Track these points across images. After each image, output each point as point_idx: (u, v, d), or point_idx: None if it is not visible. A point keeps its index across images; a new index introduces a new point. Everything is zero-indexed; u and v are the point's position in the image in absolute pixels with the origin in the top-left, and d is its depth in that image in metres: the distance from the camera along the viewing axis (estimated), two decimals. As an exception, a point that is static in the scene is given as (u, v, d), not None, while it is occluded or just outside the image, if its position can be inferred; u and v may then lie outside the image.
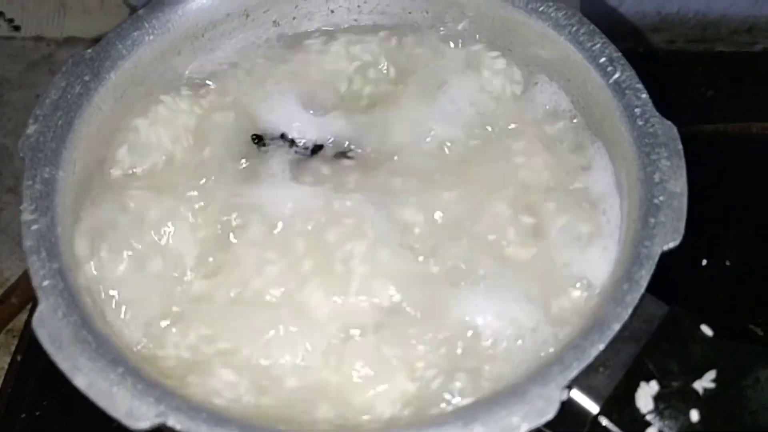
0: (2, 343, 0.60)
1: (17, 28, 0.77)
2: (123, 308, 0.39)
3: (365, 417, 0.36)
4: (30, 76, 0.75)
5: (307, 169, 0.44)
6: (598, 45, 0.43)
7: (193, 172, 0.43)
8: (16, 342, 0.59)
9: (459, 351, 0.37)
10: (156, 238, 0.40)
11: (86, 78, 0.42)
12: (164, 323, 0.38)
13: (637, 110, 0.40)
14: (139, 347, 0.38)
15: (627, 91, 0.41)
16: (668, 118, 0.40)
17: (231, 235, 0.41)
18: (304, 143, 0.45)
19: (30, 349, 0.57)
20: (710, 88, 0.69)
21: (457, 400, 0.35)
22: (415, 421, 0.34)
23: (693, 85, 0.69)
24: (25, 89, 0.74)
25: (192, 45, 0.47)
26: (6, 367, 0.57)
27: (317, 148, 0.45)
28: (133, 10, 0.46)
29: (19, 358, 0.57)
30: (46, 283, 0.35)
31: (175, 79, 0.47)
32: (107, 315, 0.38)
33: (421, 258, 0.40)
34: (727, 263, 0.58)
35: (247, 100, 0.46)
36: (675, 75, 0.70)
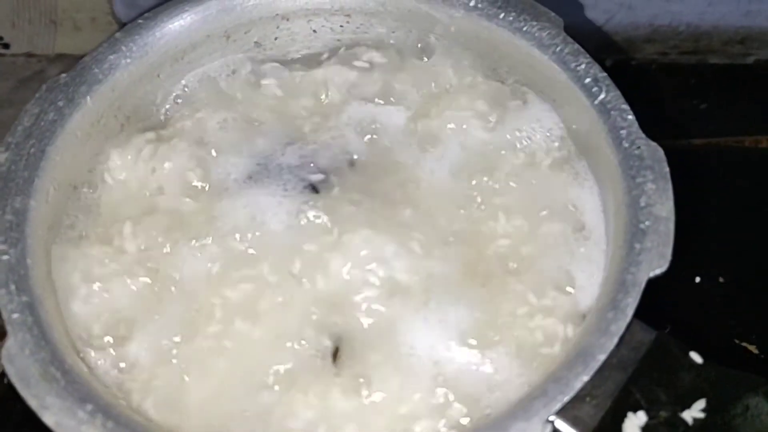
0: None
1: (7, 46, 0.76)
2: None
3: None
4: (21, 94, 0.74)
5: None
6: (583, 65, 0.42)
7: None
8: (1, 368, 0.58)
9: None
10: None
11: (60, 104, 0.42)
12: None
13: (623, 132, 0.39)
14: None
15: (613, 112, 0.40)
16: (661, 132, 0.40)
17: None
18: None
19: (11, 386, 0.56)
20: (703, 100, 0.68)
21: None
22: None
23: (686, 98, 0.68)
24: (16, 107, 0.71)
25: (171, 68, 0.47)
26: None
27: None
28: (123, 26, 0.45)
29: (5, 380, 0.56)
30: (15, 316, 0.34)
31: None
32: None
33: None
34: (721, 280, 0.57)
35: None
36: (667, 87, 0.70)
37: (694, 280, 0.57)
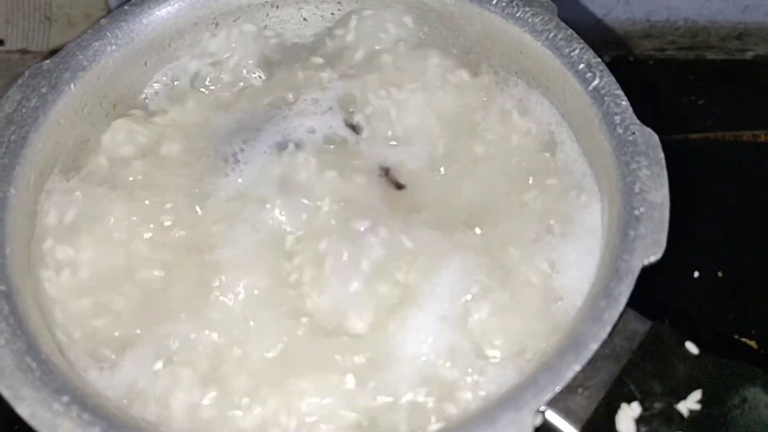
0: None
1: (1, 42, 0.76)
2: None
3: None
4: (14, 90, 0.74)
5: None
6: (577, 51, 0.41)
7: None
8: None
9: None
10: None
11: (43, 90, 0.41)
12: None
13: (617, 117, 0.39)
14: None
15: (606, 98, 0.39)
16: (659, 127, 0.39)
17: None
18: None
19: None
20: (701, 96, 0.68)
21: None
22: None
23: (683, 93, 0.68)
24: None
25: (158, 55, 0.46)
26: None
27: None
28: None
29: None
30: (-10, 306, 0.34)
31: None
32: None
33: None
34: (720, 274, 0.57)
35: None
36: (665, 83, 0.69)
37: (692, 274, 0.56)
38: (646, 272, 0.35)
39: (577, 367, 0.32)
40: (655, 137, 0.38)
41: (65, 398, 0.31)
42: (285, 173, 0.41)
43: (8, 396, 0.31)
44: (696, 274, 0.57)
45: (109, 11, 0.67)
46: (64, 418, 0.31)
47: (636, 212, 0.35)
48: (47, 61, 0.42)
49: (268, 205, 0.40)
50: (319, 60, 0.47)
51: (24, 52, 0.76)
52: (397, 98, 0.44)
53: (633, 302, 0.34)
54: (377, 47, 0.47)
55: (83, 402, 0.31)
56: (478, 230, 0.40)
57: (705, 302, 0.56)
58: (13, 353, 0.32)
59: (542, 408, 0.32)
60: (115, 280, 0.38)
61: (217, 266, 0.38)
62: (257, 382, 0.35)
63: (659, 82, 0.69)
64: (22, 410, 0.31)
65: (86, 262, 0.38)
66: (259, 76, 0.46)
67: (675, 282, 0.53)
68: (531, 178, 0.42)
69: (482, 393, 0.35)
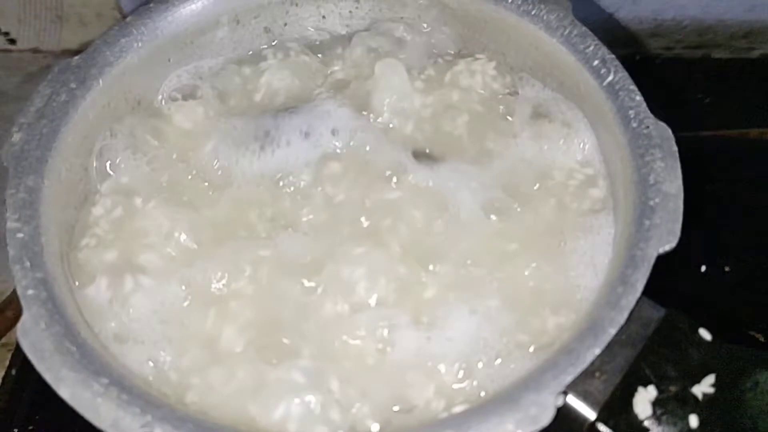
0: (-3, 355, 0.59)
1: (13, 41, 0.76)
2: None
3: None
4: (27, 89, 0.74)
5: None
6: (591, 47, 0.42)
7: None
8: (10, 356, 0.58)
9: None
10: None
11: (72, 85, 0.42)
12: None
13: (631, 112, 0.40)
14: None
15: (620, 93, 0.40)
16: (666, 124, 0.40)
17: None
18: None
19: (25, 362, 0.55)
20: (708, 94, 0.69)
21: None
22: (406, 429, 0.33)
23: (691, 91, 0.69)
24: (22, 102, 0.71)
25: (182, 52, 0.47)
26: (0, 381, 0.56)
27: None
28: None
29: (13, 371, 0.56)
30: (29, 292, 0.35)
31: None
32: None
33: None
34: (727, 269, 0.57)
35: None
36: (673, 81, 0.70)
37: (700, 269, 0.57)
38: (655, 265, 0.35)
39: (597, 350, 0.33)
40: (669, 131, 0.39)
41: (104, 380, 0.32)
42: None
43: (49, 378, 0.32)
44: (703, 268, 0.57)
45: (120, 11, 0.68)
46: (103, 399, 0.32)
47: (651, 203, 0.36)
48: (76, 57, 0.43)
49: None
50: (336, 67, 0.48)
51: (35, 51, 0.76)
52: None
53: (643, 293, 0.35)
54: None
55: (121, 383, 0.32)
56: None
57: (712, 296, 0.57)
58: (53, 337, 0.33)
59: (563, 389, 0.33)
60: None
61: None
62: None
63: (666, 80, 0.70)
64: (63, 391, 0.32)
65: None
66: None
67: (682, 276, 0.54)
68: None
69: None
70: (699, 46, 0.71)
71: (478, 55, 0.47)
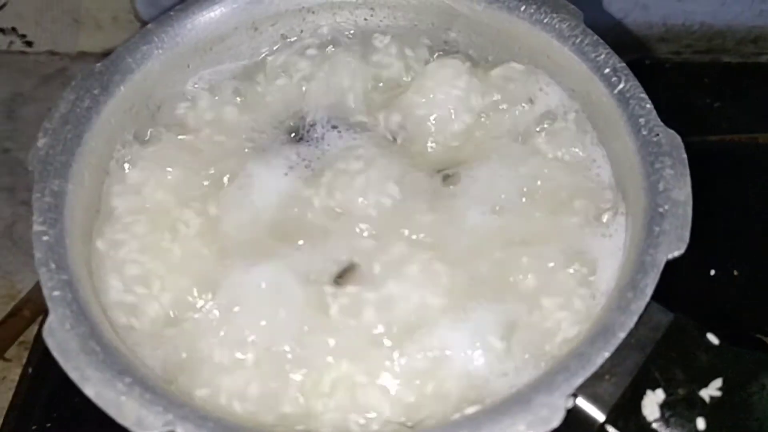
0: (14, 355, 0.61)
1: (30, 44, 0.78)
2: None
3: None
4: (43, 91, 0.76)
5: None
6: (602, 56, 0.43)
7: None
8: (27, 354, 0.60)
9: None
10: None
11: (95, 92, 0.43)
12: None
13: (641, 120, 0.40)
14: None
15: (631, 101, 0.41)
16: (675, 129, 0.40)
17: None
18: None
19: (41, 361, 0.57)
20: (717, 98, 0.69)
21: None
22: (419, 430, 0.34)
23: (699, 96, 0.69)
24: (39, 103, 0.74)
25: (201, 59, 0.48)
26: (18, 379, 0.58)
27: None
28: (145, 24, 0.46)
29: (30, 370, 0.57)
30: (55, 294, 0.36)
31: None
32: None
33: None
34: (735, 273, 0.58)
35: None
36: (681, 86, 0.71)
37: (709, 273, 0.57)
38: (664, 269, 0.36)
39: (607, 354, 0.33)
40: (678, 138, 0.40)
41: (128, 379, 0.33)
42: None
43: (75, 377, 0.33)
44: (712, 272, 0.58)
45: (136, 15, 0.69)
46: (127, 397, 0.33)
47: (660, 209, 0.37)
48: (99, 64, 0.44)
49: None
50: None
51: (52, 53, 0.77)
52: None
53: (652, 296, 0.36)
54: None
55: (144, 382, 0.33)
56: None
57: (720, 300, 0.57)
58: (78, 337, 0.34)
59: (573, 392, 0.33)
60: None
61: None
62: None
63: (675, 84, 0.70)
64: (89, 390, 0.33)
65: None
66: None
67: (691, 280, 0.54)
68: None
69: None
70: (708, 50, 0.72)
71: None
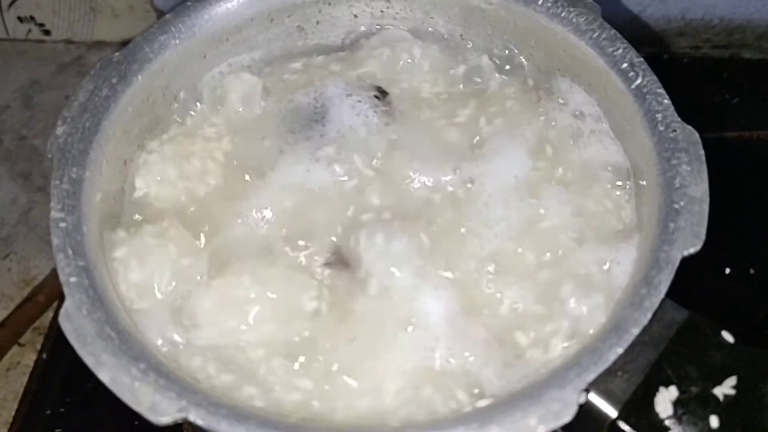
0: (28, 340, 0.61)
1: (48, 32, 0.78)
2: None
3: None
4: (60, 79, 0.76)
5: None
6: (620, 50, 0.43)
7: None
8: (42, 339, 0.60)
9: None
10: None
11: (113, 81, 0.43)
12: None
13: (659, 115, 0.40)
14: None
15: (648, 96, 0.41)
16: (692, 124, 0.40)
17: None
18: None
19: (55, 346, 0.57)
20: (735, 94, 0.68)
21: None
22: (431, 422, 0.34)
23: (718, 92, 0.68)
24: (55, 91, 0.75)
25: (217, 49, 0.48)
26: (32, 364, 0.58)
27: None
28: (161, 14, 0.46)
29: (44, 355, 0.58)
30: (72, 280, 0.36)
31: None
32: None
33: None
34: (752, 271, 0.57)
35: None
36: (700, 81, 0.70)
37: (724, 270, 0.57)
38: (678, 266, 0.36)
39: (620, 350, 0.33)
40: (696, 134, 0.39)
41: (142, 365, 0.34)
42: None
43: (90, 362, 0.34)
44: (727, 270, 0.57)
45: (152, 4, 0.69)
46: (141, 383, 0.33)
47: (676, 206, 0.37)
48: (117, 54, 0.44)
49: None
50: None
51: (69, 42, 0.78)
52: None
53: (667, 295, 0.36)
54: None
55: (159, 368, 0.34)
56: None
57: (735, 298, 0.57)
58: (94, 323, 0.35)
59: (585, 388, 0.33)
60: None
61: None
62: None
63: (694, 80, 0.70)
64: (103, 375, 0.33)
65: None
66: None
67: (706, 277, 0.54)
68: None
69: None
70: (727, 45, 0.71)
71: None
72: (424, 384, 0.36)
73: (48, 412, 0.55)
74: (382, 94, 0.46)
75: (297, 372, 0.37)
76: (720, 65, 0.71)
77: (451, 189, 0.43)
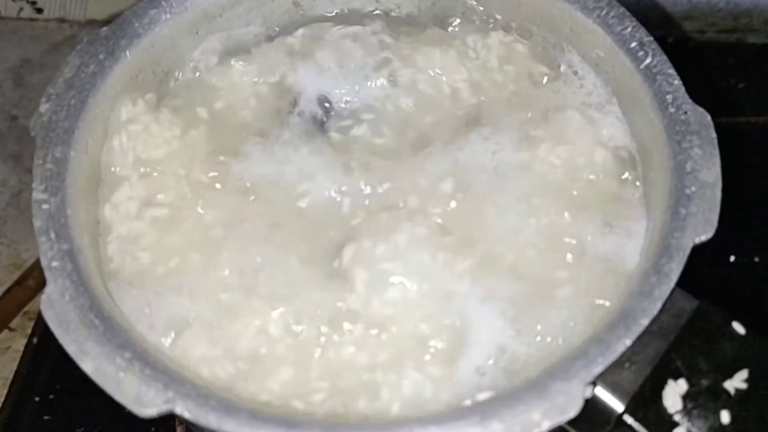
0: (19, 325, 0.60)
1: (40, 11, 0.77)
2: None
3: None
4: (52, 58, 0.75)
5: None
6: (629, 29, 0.41)
7: None
8: (32, 324, 0.59)
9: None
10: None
11: (101, 56, 0.42)
12: None
13: (669, 97, 0.39)
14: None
15: (658, 77, 0.40)
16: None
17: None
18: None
19: (46, 331, 0.56)
20: (741, 79, 0.68)
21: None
22: (431, 416, 0.33)
23: (724, 76, 0.68)
24: (47, 71, 0.74)
25: (210, 25, 0.46)
26: (22, 349, 0.57)
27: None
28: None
29: (35, 340, 0.57)
30: (54, 264, 0.34)
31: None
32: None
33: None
34: (756, 260, 0.57)
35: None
36: (705, 65, 0.69)
37: (728, 258, 0.57)
38: (695, 245, 0.35)
39: (628, 341, 0.32)
40: (707, 116, 0.38)
41: (127, 354, 0.32)
42: None
43: (72, 351, 0.32)
44: (732, 258, 0.57)
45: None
46: (126, 373, 0.32)
47: (687, 191, 0.36)
48: (104, 29, 0.43)
49: None
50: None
51: (61, 20, 0.77)
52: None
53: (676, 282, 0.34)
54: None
55: (144, 358, 0.32)
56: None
57: (740, 287, 0.56)
58: (78, 309, 0.33)
59: (591, 380, 0.32)
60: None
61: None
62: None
63: (699, 64, 0.69)
64: (86, 365, 0.32)
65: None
66: None
67: (710, 265, 0.53)
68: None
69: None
70: (733, 30, 0.70)
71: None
72: None
73: (37, 398, 0.55)
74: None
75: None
76: (726, 50, 0.70)
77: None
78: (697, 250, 0.35)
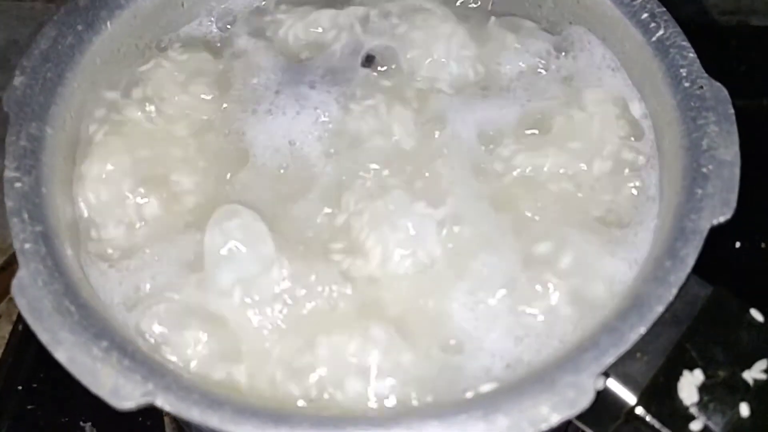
0: (4, 311, 0.60)
1: (27, -8, 0.76)
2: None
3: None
4: (39, 39, 0.73)
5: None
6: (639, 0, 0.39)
7: None
8: (18, 311, 0.58)
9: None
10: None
11: (79, 28, 0.39)
12: None
13: (683, 70, 0.37)
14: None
15: (671, 50, 0.38)
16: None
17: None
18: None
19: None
20: (743, 62, 0.67)
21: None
22: (432, 410, 0.30)
23: (726, 59, 0.67)
24: None
25: (196, -4, 0.44)
26: (7, 336, 0.57)
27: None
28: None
29: (20, 327, 0.56)
30: (27, 246, 0.32)
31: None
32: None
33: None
34: (763, 245, 0.56)
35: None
36: (706, 48, 0.67)
37: (734, 244, 0.55)
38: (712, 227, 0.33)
39: (642, 330, 0.30)
40: (725, 91, 0.36)
41: (104, 343, 0.30)
42: None
43: (46, 340, 0.30)
44: (738, 244, 0.56)
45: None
46: (103, 364, 0.29)
47: (704, 170, 0.34)
48: (83, -2, 0.40)
49: None
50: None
51: (49, 1, 0.76)
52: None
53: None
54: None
55: (123, 347, 0.30)
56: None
57: (747, 273, 0.55)
58: (51, 295, 0.31)
59: (603, 371, 0.30)
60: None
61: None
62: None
63: (700, 47, 0.67)
64: (60, 355, 0.30)
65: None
66: None
67: (715, 251, 0.52)
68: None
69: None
70: (735, 12, 0.69)
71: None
72: None
73: (20, 387, 0.54)
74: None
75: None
76: (727, 32, 0.69)
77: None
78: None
